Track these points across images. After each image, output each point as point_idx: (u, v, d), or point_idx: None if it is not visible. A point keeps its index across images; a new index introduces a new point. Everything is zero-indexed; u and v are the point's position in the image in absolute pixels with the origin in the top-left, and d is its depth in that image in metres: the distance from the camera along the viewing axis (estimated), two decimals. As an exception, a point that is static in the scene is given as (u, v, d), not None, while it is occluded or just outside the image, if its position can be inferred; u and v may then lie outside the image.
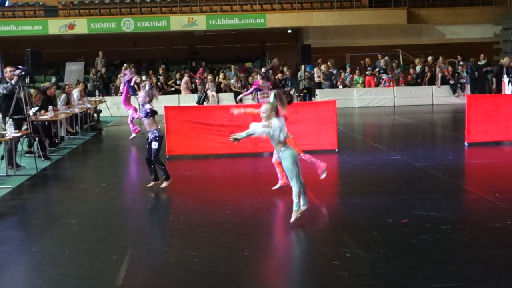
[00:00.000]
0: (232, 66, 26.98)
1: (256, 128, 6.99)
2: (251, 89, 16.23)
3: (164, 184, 9.22)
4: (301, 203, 7.04)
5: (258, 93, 20.35)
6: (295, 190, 6.97)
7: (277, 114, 7.04)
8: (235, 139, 6.89)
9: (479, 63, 25.38)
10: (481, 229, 6.72)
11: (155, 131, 9.05)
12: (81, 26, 27.87)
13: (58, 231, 7.25)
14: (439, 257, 5.77)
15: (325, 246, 6.22)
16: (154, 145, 9.08)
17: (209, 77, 24.85)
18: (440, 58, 25.81)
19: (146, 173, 9.84)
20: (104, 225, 7.48)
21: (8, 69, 11.68)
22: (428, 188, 8.85)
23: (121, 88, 16.96)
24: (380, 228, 6.80)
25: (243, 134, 6.97)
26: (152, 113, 9.04)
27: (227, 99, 24.33)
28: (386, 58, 26.23)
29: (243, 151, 12.05)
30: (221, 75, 25.85)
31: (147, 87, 9.18)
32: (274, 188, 8.75)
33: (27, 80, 11.86)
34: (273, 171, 10.73)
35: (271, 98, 7.25)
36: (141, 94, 9.18)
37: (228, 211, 7.73)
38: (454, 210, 7.61)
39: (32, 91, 14.14)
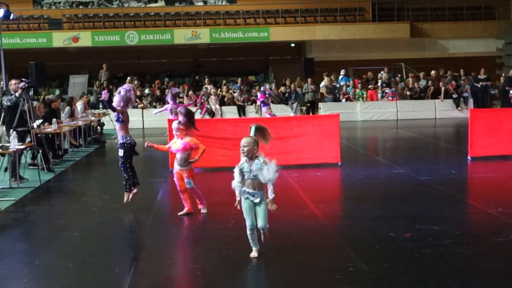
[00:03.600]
0: (239, 79, 27.09)
1: (267, 174, 6.18)
2: (164, 107, 16.28)
3: (125, 197, 8.99)
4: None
5: (264, 108, 20.45)
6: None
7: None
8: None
9: (479, 77, 25.46)
10: (485, 243, 6.71)
11: (121, 138, 8.85)
12: (85, 38, 28.02)
13: (61, 243, 7.25)
14: (442, 271, 5.76)
15: (328, 260, 6.22)
16: (120, 152, 8.89)
17: (212, 90, 24.93)
18: (441, 72, 25.95)
19: (149, 186, 9.86)
20: (107, 238, 7.48)
21: (13, 81, 11.75)
22: (431, 202, 8.84)
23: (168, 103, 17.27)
24: (383, 242, 6.79)
25: (269, 191, 6.26)
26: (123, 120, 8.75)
27: (230, 112, 24.37)
28: (382, 72, 26.29)
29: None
30: (224, 88, 25.93)
31: (122, 92, 8.81)
32: (179, 214, 8.45)
33: (31, 92, 11.91)
34: (277, 184, 10.75)
35: (252, 131, 6.39)
36: (116, 99, 8.70)
37: (231, 225, 7.73)
38: (457, 224, 7.60)
39: (35, 103, 14.19)
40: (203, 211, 8.48)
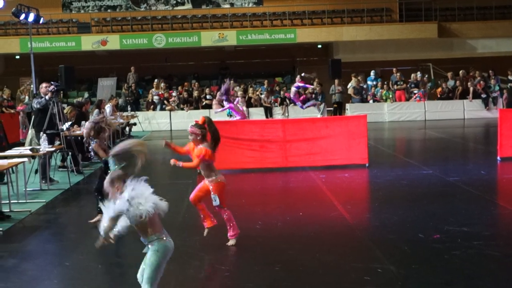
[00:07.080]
0: (266, 81, 27.02)
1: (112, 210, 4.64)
2: (227, 106, 16.04)
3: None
4: None
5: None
6: None
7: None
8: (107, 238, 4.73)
9: (509, 77, 25.18)
10: (515, 245, 6.64)
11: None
12: (114, 42, 28.24)
13: (90, 245, 7.28)
14: (472, 273, 5.71)
15: (356, 262, 6.20)
16: None
17: (239, 92, 24.97)
18: (471, 72, 25.74)
19: (177, 187, 9.90)
20: (136, 239, 7.52)
21: (43, 84, 11.92)
22: (460, 203, 8.76)
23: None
24: (412, 243, 6.75)
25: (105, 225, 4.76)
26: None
27: (257, 113, 24.41)
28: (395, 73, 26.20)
29: (273, 165, 12.09)
30: (250, 90, 25.94)
31: (94, 114, 7.67)
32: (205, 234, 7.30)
33: (61, 95, 12.06)
34: (304, 185, 10.76)
35: (111, 164, 4.73)
36: (87, 125, 7.88)
37: (259, 226, 7.74)
38: (487, 225, 7.53)
39: (65, 106, 14.34)
40: (231, 242, 6.91)
